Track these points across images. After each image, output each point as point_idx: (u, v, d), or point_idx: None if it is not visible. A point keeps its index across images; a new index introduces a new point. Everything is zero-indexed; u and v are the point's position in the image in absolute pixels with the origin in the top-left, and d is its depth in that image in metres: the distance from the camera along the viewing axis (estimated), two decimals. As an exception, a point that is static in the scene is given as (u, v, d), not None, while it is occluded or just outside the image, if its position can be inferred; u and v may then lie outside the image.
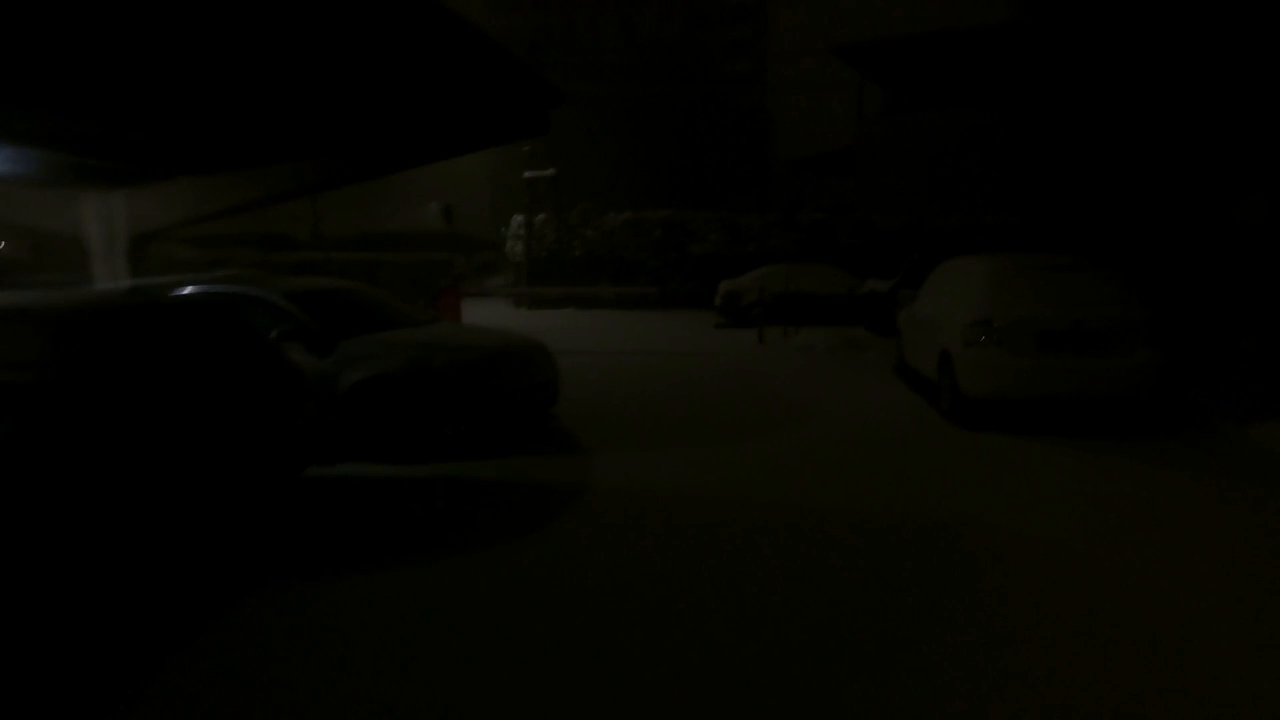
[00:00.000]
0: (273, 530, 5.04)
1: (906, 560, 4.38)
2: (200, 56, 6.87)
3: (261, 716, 2.98)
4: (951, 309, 7.88)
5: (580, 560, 4.42)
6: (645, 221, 23.61)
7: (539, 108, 10.67)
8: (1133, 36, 15.60)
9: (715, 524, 4.97)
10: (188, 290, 7.16)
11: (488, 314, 19.92)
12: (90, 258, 9.46)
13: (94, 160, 8.02)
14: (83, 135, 7.74)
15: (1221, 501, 5.37)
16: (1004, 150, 24.19)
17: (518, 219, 24.58)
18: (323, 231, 31.17)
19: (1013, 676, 3.18)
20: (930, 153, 27.29)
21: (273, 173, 9.57)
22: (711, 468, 6.24)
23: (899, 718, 2.94)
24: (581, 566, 4.33)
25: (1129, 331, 7.12)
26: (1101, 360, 7.07)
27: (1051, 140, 19.78)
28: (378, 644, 3.49)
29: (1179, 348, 8.22)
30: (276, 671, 3.27)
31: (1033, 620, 3.66)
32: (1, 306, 4.55)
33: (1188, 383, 8.70)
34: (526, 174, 23.93)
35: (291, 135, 8.70)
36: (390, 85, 8.27)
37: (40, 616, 3.59)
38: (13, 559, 3.31)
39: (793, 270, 17.71)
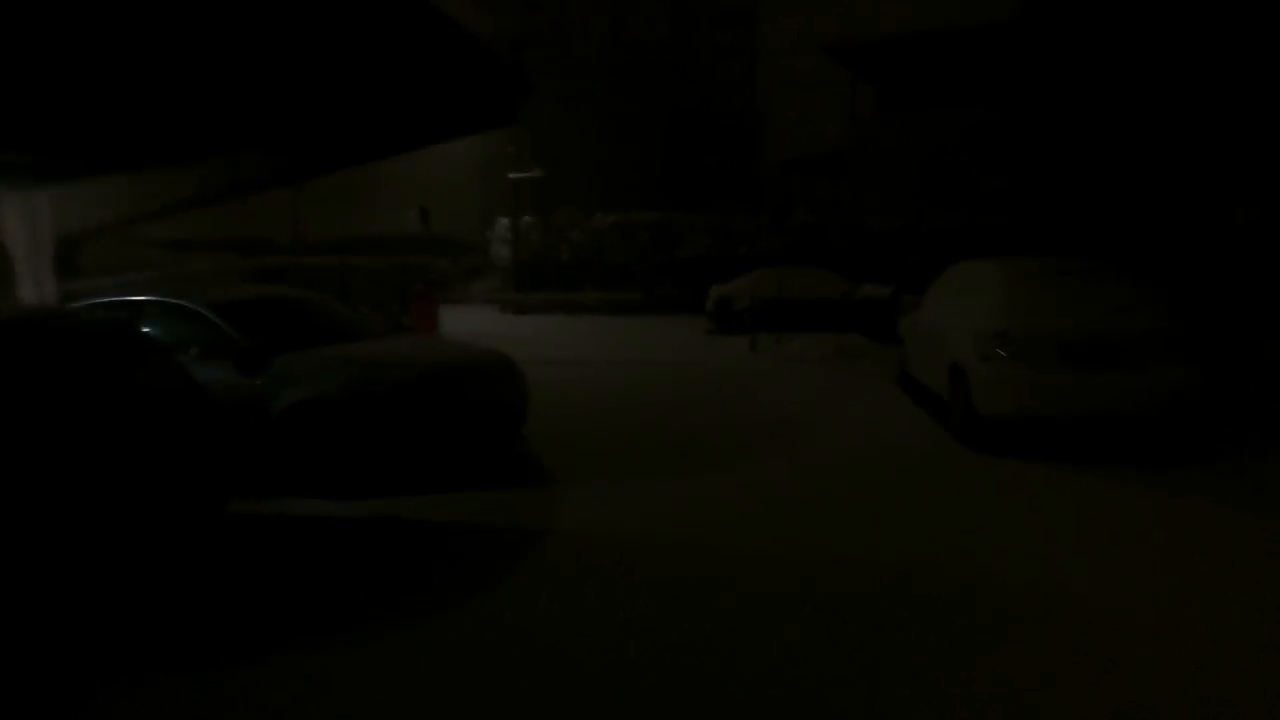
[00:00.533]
0: (166, 591, 4.21)
1: (916, 628, 3.58)
2: (131, 38, 6.07)
3: None
4: (963, 318, 7.10)
5: (532, 633, 3.61)
6: (633, 224, 22.83)
7: (506, 96, 9.87)
8: (1130, 33, 14.96)
9: (691, 581, 4.16)
10: (101, 301, 6.31)
11: (471, 321, 19.13)
12: (11, 262, 8.61)
13: (12, 155, 7.20)
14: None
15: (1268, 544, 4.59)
16: (1001, 151, 23.52)
17: (503, 222, 23.78)
18: (304, 235, 30.28)
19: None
20: (924, 153, 26.57)
21: (214, 169, 8.73)
22: (693, 503, 5.43)
23: None
24: (532, 643, 3.52)
25: (1162, 345, 6.34)
26: (1132, 376, 6.29)
27: (1049, 140, 19.13)
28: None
29: (1214, 362, 7.46)
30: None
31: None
32: None
33: (1217, 398, 7.95)
34: (511, 175, 23.12)
35: (233, 124, 7.88)
36: (342, 67, 7.47)
37: None
38: None
39: (786, 274, 16.93)
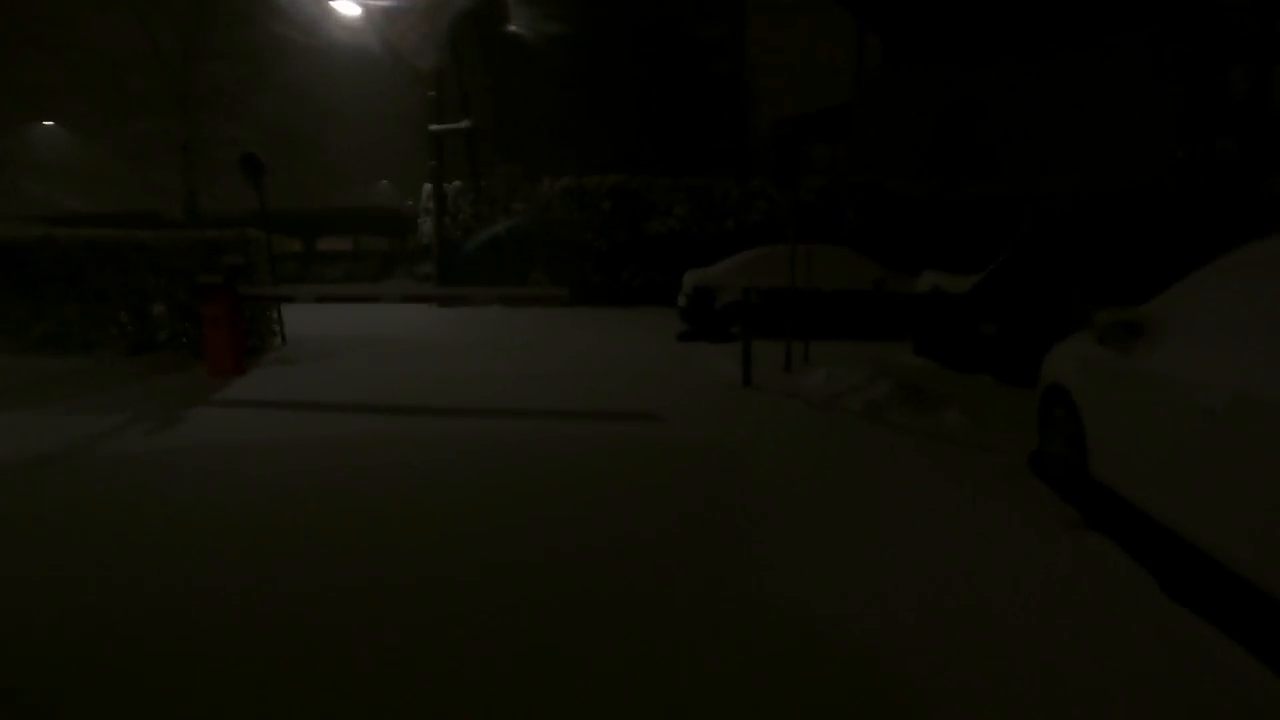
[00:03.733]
0: None
1: None
2: None
3: None
4: None
5: None
6: (589, 190, 17.55)
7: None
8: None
9: None
10: None
11: (370, 317, 13.94)
12: None
13: None
14: None
15: None
16: (1054, 101, 18.43)
17: (427, 189, 18.43)
18: (204, 208, 24.96)
19: None
20: (946, 108, 21.41)
21: None
22: None
23: None
24: None
25: None
26: None
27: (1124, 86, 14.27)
28: None
29: None
30: None
31: None
32: None
33: None
34: (433, 128, 17.72)
35: None
36: None
37: None
38: None
39: (787, 254, 11.83)
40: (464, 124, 17.65)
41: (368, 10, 17.52)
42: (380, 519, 4.16)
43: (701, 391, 7.37)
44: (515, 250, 17.81)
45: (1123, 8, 16.13)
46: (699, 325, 11.83)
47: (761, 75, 43.92)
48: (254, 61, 24.92)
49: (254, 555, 3.67)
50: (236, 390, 7.71)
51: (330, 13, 19.41)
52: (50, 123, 33.55)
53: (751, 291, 11.27)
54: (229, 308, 8.24)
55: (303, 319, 12.07)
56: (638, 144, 31.35)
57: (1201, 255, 3.60)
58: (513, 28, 26.38)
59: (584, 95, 29.70)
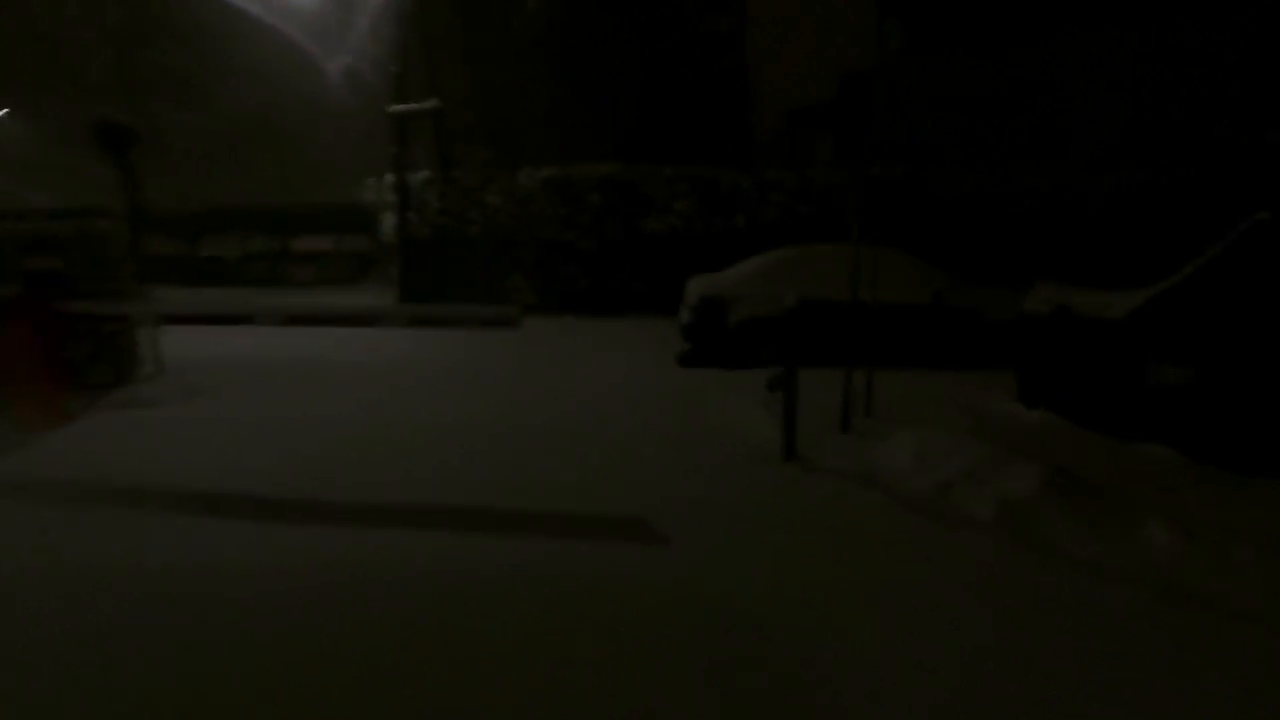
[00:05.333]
0: None
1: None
2: None
3: None
4: None
5: None
6: (576, 181, 14.92)
7: None
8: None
9: None
10: None
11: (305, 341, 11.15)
12: None
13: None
14: None
15: None
16: (1126, 81, 15.83)
17: (388, 179, 15.78)
18: (148, 203, 22.41)
19: None
20: (984, 92, 18.81)
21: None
22: None
23: None
24: None
25: None
26: None
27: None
28: None
29: None
30: None
31: None
32: None
33: None
34: (393, 109, 15.07)
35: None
36: None
37: None
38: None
39: (822, 259, 9.22)
40: (429, 104, 15.01)
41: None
42: None
43: (720, 472, 4.74)
44: (490, 251, 15.18)
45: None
46: (707, 346, 9.20)
47: (766, 65, 41.22)
48: (210, 42, 22.25)
49: None
50: (38, 452, 5.10)
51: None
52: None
53: (774, 304, 8.71)
54: (36, 329, 5.60)
55: (221, 336, 9.42)
56: (633, 133, 28.73)
57: None
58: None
59: (575, 78, 27.01)
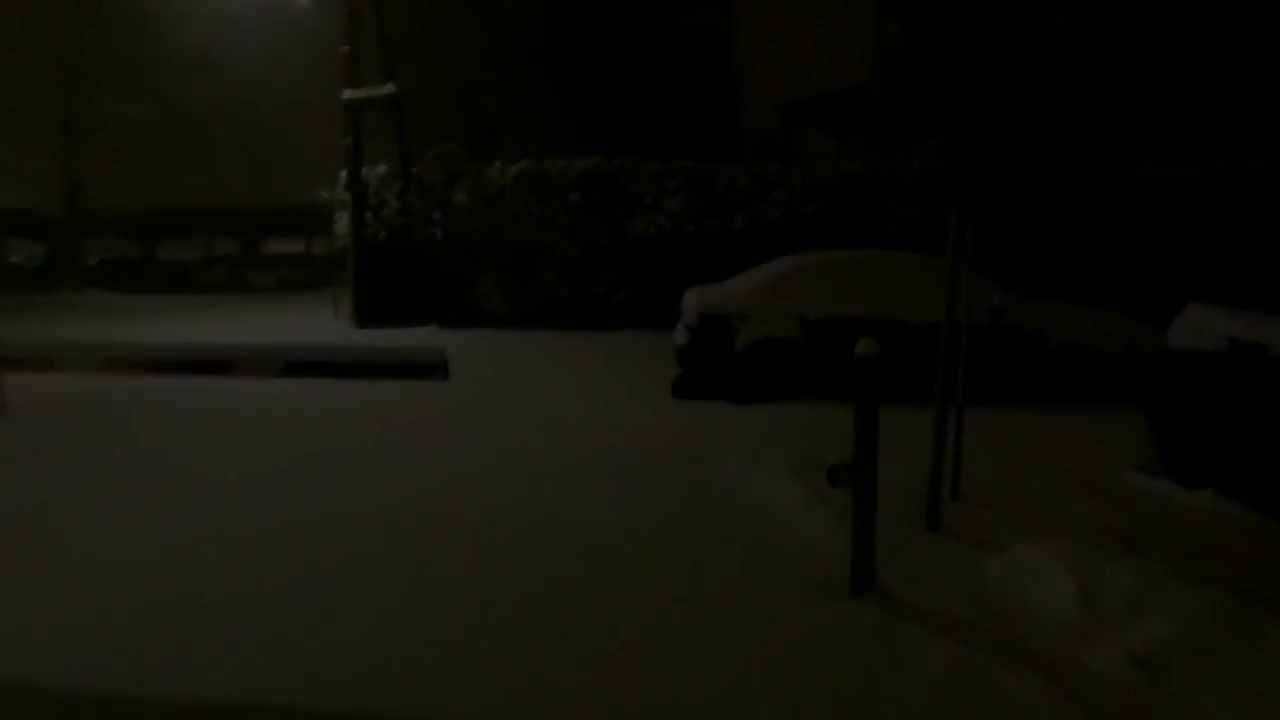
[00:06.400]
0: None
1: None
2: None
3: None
4: None
5: None
6: (553, 177, 13.11)
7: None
8: None
9: None
10: None
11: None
12: None
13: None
14: None
15: None
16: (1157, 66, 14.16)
17: (343, 177, 13.87)
18: (87, 204, 20.34)
19: None
20: (998, 83, 17.13)
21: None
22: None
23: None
24: None
25: None
26: None
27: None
28: None
29: None
30: None
31: None
32: None
33: None
34: (345, 94, 13.19)
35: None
36: None
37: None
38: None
39: (846, 268, 7.48)
40: (386, 89, 13.14)
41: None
42: None
43: (749, 624, 2.92)
44: (457, 257, 13.35)
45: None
46: (708, 373, 7.42)
47: (756, 60, 39.60)
48: (160, 27, 20.21)
49: None
50: None
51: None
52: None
53: (791, 321, 7.03)
54: None
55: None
56: (617, 130, 26.88)
57: None
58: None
59: (556, 72, 25.15)
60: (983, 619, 2.84)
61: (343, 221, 13.81)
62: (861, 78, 21.69)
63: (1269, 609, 2.60)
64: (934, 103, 17.86)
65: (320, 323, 13.91)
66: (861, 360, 2.98)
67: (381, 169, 13.74)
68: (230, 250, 29.37)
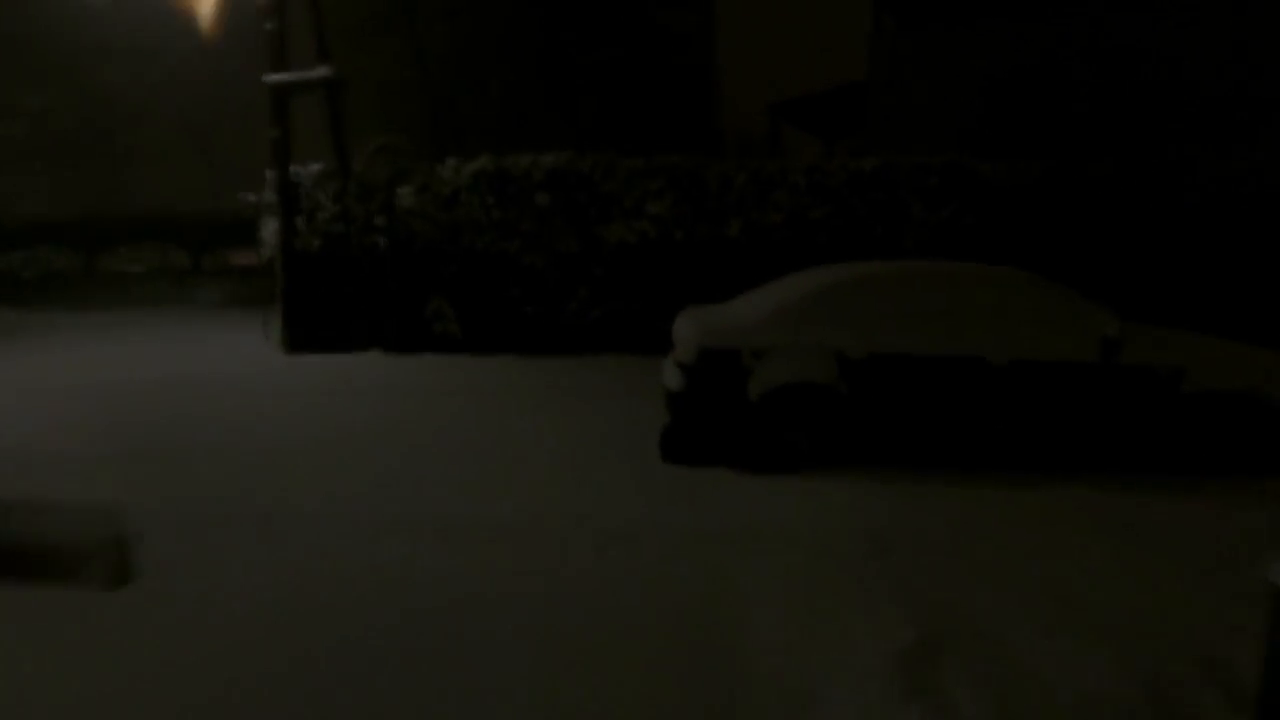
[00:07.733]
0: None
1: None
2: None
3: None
4: None
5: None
6: (516, 176, 11.07)
7: None
8: None
9: None
10: None
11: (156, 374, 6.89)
12: None
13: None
14: None
15: None
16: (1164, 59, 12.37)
17: (270, 176, 11.72)
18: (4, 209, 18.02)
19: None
20: (1001, 73, 15.38)
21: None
22: None
23: None
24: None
25: None
26: None
27: None
28: None
29: None
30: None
31: None
32: None
33: None
34: (270, 78, 11.07)
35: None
36: None
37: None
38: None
39: (892, 283, 5.53)
40: (320, 72, 11.04)
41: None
42: None
43: None
44: (403, 269, 11.26)
45: None
46: (710, 428, 5.41)
47: (741, 60, 37.82)
48: (82, 13, 17.94)
49: None
50: None
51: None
52: None
53: (832, 361, 5.10)
54: None
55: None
56: (592, 129, 24.88)
57: None
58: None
59: (528, 66, 23.14)
60: None
61: (269, 228, 11.67)
62: (856, 76, 19.93)
63: None
64: (937, 101, 16.21)
65: (249, 349, 11.75)
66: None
67: (315, 167, 11.63)
68: (180, 261, 27.00)
